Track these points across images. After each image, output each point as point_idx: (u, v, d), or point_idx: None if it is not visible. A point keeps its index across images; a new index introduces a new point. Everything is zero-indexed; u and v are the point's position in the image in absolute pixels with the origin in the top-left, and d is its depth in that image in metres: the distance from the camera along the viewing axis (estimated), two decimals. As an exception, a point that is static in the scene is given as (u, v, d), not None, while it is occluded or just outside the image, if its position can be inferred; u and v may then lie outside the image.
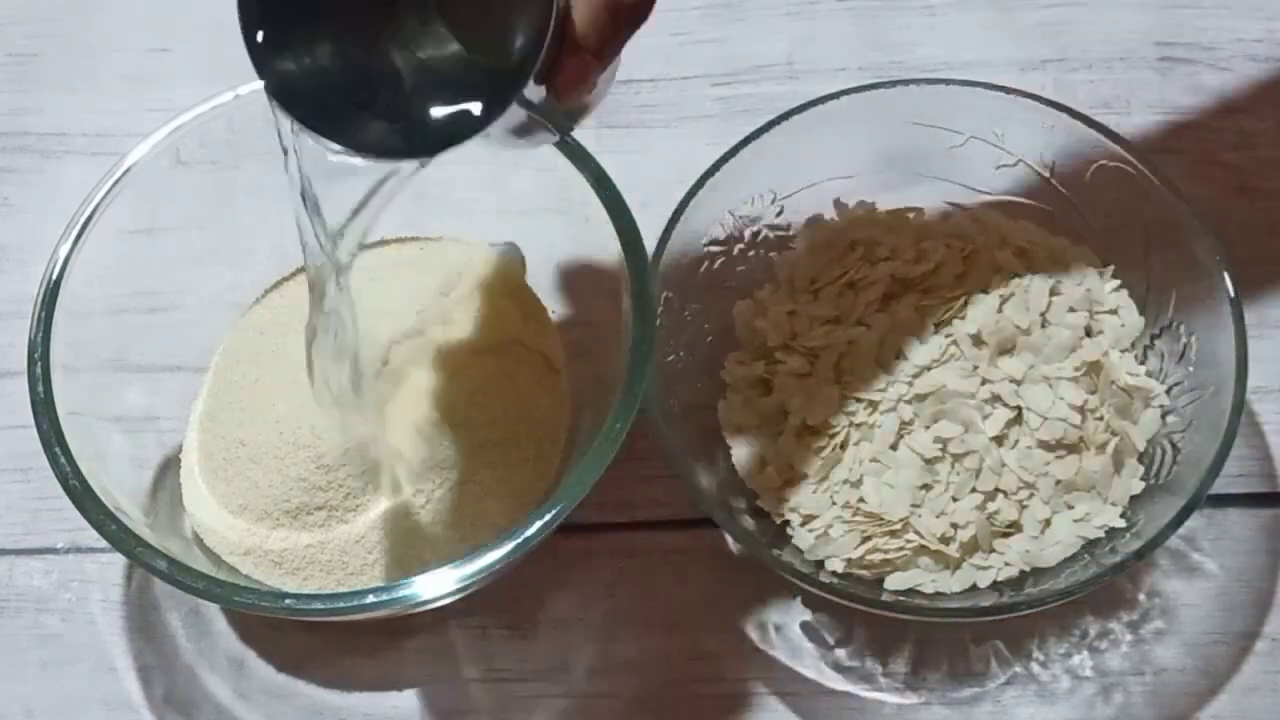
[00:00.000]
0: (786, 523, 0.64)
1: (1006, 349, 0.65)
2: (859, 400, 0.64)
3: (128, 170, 0.65)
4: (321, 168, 0.54)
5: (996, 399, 0.63)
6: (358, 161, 0.53)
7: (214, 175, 0.67)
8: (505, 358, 0.67)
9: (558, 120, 0.57)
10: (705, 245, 0.68)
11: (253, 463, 0.64)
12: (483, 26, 0.54)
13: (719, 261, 0.68)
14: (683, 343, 0.66)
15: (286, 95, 0.53)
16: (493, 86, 0.52)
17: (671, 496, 0.66)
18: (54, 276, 0.63)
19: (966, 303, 0.65)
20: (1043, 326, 0.65)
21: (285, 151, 0.54)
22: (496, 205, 0.69)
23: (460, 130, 0.52)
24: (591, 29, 0.52)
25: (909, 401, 0.64)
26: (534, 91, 0.53)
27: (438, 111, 0.53)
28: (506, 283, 0.69)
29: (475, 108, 0.52)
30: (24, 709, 0.66)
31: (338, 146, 0.53)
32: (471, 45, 0.54)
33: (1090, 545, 0.63)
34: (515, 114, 0.53)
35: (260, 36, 0.53)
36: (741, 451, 0.66)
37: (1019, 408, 0.63)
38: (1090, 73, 0.77)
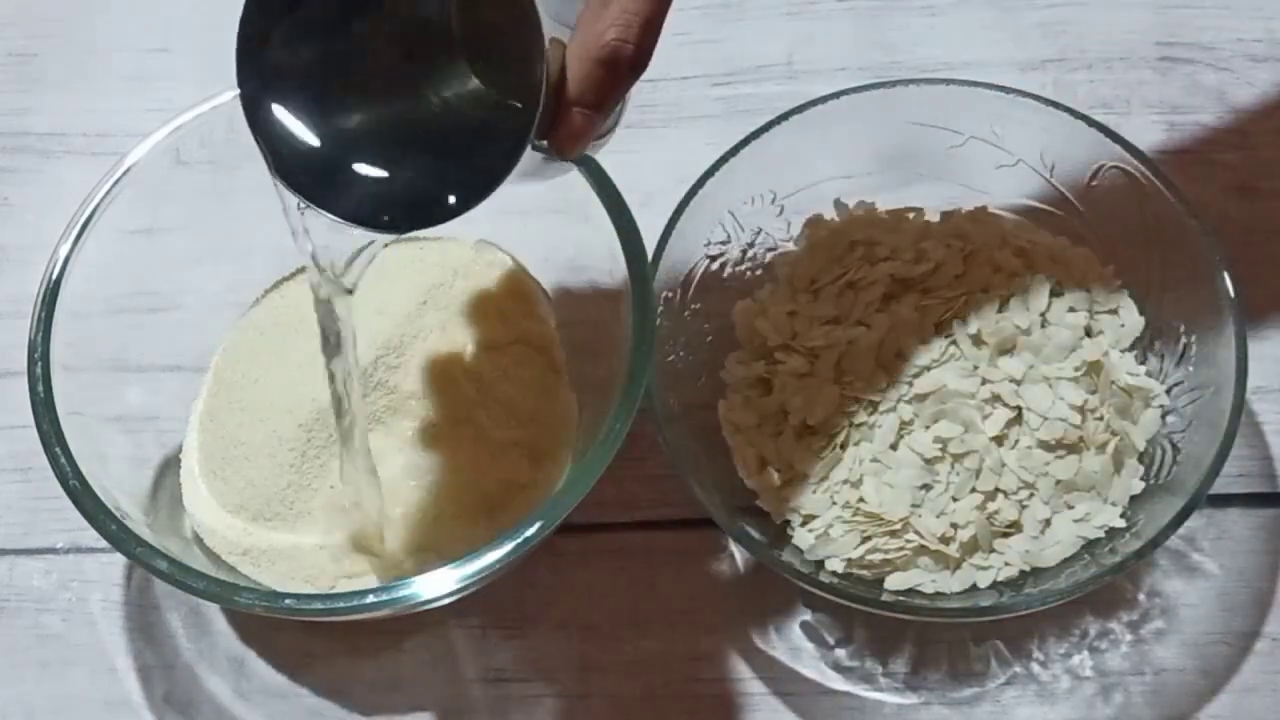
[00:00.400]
0: (786, 523, 0.64)
1: (1006, 349, 0.65)
2: (859, 400, 0.64)
3: (128, 170, 0.65)
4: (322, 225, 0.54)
5: (996, 399, 0.63)
6: (357, 231, 0.53)
7: (214, 175, 0.67)
8: (506, 357, 0.67)
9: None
10: (705, 245, 0.68)
11: (248, 461, 0.65)
12: (471, 106, 0.53)
13: (719, 261, 0.68)
14: (683, 343, 0.66)
15: (285, 168, 0.53)
16: (489, 161, 0.51)
17: (671, 496, 0.66)
18: (54, 276, 0.63)
19: (966, 303, 0.65)
20: (1043, 326, 0.65)
21: (280, 196, 0.54)
22: (496, 205, 0.69)
23: (461, 202, 0.52)
24: (588, 86, 0.51)
25: (909, 401, 0.64)
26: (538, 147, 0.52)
27: (438, 184, 0.53)
28: (507, 282, 0.69)
29: (472, 183, 0.52)
30: (24, 709, 0.66)
31: (337, 219, 0.53)
32: (466, 114, 0.54)
33: (1090, 545, 0.63)
34: (529, 158, 0.52)
35: (259, 114, 0.53)
36: (741, 451, 0.66)
37: (1019, 408, 0.63)
38: (1090, 73, 0.77)
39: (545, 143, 0.52)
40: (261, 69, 0.53)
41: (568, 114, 0.51)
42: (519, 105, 0.50)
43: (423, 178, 0.53)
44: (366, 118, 0.54)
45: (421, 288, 0.68)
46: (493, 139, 0.52)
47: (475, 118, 0.53)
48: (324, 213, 0.53)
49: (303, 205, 0.53)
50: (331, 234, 0.55)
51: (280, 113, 0.53)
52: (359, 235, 0.54)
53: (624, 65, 0.51)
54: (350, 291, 0.57)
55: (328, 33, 0.53)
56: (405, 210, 0.53)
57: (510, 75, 0.52)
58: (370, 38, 0.53)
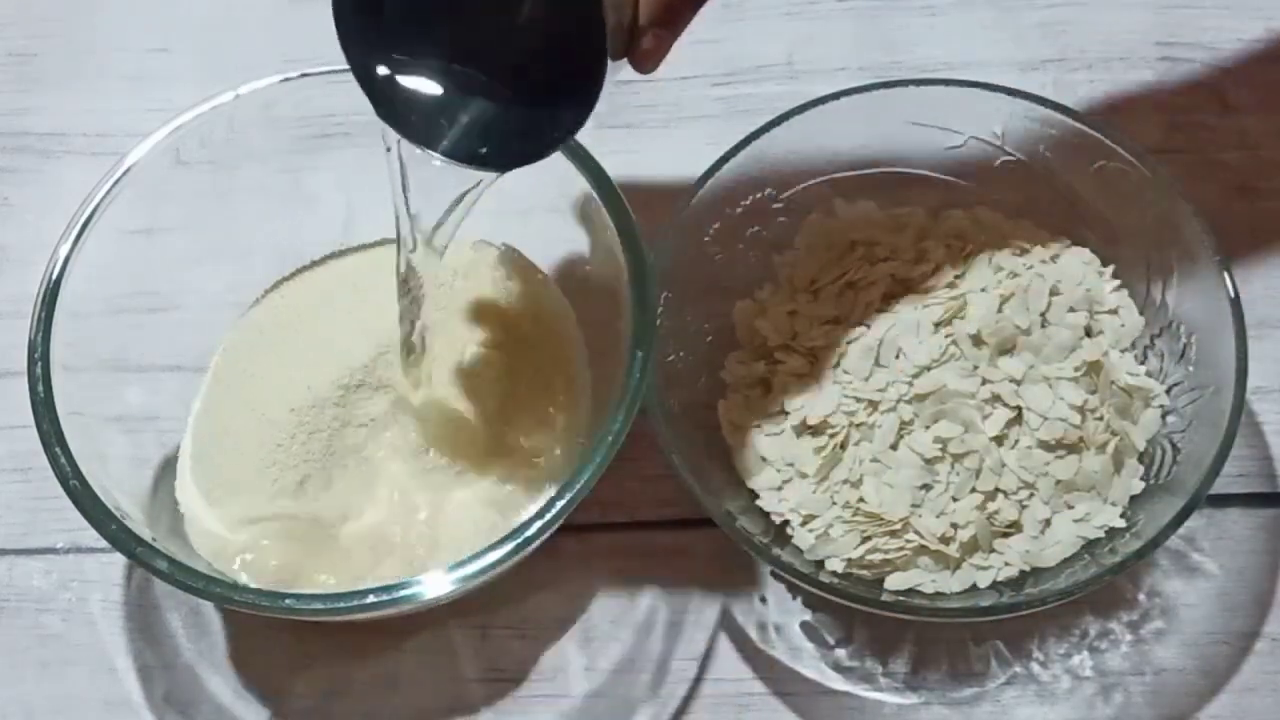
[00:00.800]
0: (786, 523, 0.64)
1: (1006, 349, 0.65)
2: (859, 400, 0.64)
3: (128, 170, 0.65)
4: (423, 172, 0.57)
5: (996, 399, 0.63)
6: (462, 170, 0.56)
7: (214, 175, 0.67)
8: (512, 355, 0.67)
9: None
10: (705, 245, 0.68)
11: (235, 448, 0.65)
12: (549, 41, 0.55)
13: (719, 261, 0.68)
14: (683, 343, 0.66)
15: (395, 115, 0.55)
16: (576, 93, 0.54)
17: (671, 496, 0.66)
18: (54, 276, 0.63)
19: (966, 303, 0.65)
20: (1043, 326, 0.65)
21: (389, 152, 0.57)
22: (496, 205, 0.69)
23: (554, 140, 0.55)
24: (659, 10, 0.55)
25: (909, 401, 0.64)
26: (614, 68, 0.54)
27: (531, 122, 0.55)
28: (516, 280, 0.69)
29: (566, 115, 0.54)
30: (24, 709, 0.66)
31: (444, 159, 0.55)
32: (546, 49, 0.55)
33: (1090, 545, 0.63)
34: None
35: (364, 58, 0.55)
36: (741, 451, 0.66)
37: (1019, 408, 0.63)
38: (1090, 73, 0.77)
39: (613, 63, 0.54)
40: (360, 24, 0.54)
41: (644, 34, 0.55)
42: (590, 34, 0.52)
43: (520, 112, 0.55)
44: (460, 61, 0.55)
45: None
46: (573, 70, 0.53)
47: (556, 51, 0.55)
48: (435, 155, 0.55)
49: (413, 150, 0.55)
50: (431, 191, 0.57)
51: (384, 64, 0.55)
52: (463, 180, 0.56)
53: None
54: (440, 254, 0.60)
55: None
56: (509, 145, 0.55)
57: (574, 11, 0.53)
58: None
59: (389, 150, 0.57)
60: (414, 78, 0.55)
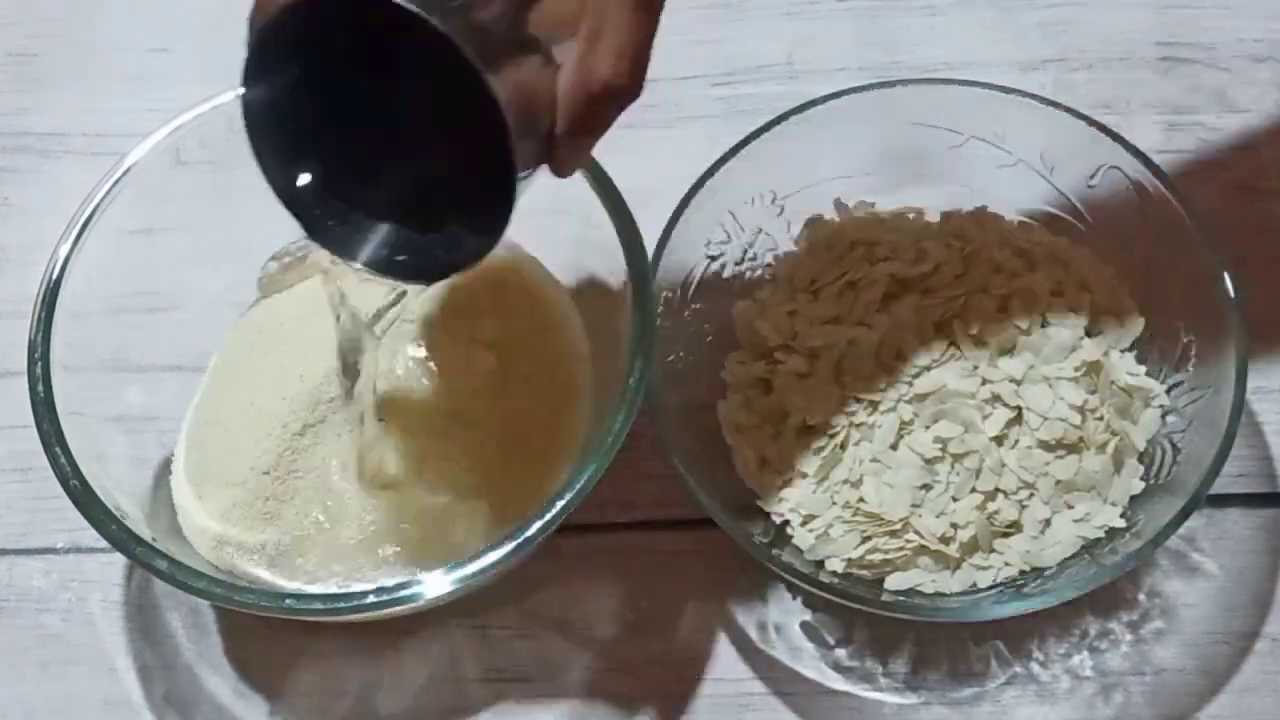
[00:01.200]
0: (786, 523, 0.64)
1: (1006, 349, 0.65)
2: (859, 400, 0.64)
3: (128, 170, 0.65)
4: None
5: (996, 399, 0.63)
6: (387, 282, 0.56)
7: (214, 175, 0.67)
8: (509, 355, 0.67)
9: None
10: (705, 245, 0.68)
11: (226, 435, 0.65)
12: (463, 154, 0.54)
13: (719, 261, 0.68)
14: (683, 343, 0.66)
15: (314, 224, 0.55)
16: (491, 207, 0.53)
17: (671, 496, 0.66)
18: (54, 276, 0.63)
19: (966, 303, 0.65)
20: (1043, 326, 0.65)
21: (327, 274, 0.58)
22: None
23: (472, 254, 0.54)
24: (582, 121, 0.52)
25: (909, 401, 0.64)
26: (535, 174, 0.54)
27: (448, 237, 0.55)
28: (515, 280, 0.69)
29: (483, 227, 0.53)
30: (24, 709, 0.66)
31: (370, 273, 0.55)
32: (460, 165, 0.55)
33: (1090, 545, 0.63)
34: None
35: (281, 169, 0.54)
36: (741, 451, 0.66)
37: (1019, 408, 0.63)
38: (1090, 73, 0.77)
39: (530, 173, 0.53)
40: (275, 136, 0.53)
41: (562, 145, 0.52)
42: (498, 152, 0.51)
43: (437, 228, 0.55)
44: (374, 175, 0.55)
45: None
46: (486, 185, 0.52)
47: (467, 169, 0.54)
48: (355, 265, 0.55)
49: (335, 261, 0.55)
50: (366, 284, 0.57)
51: (299, 176, 0.54)
52: (390, 285, 0.57)
53: (622, 98, 0.52)
54: (379, 338, 0.60)
55: (335, 96, 0.54)
56: (425, 260, 0.55)
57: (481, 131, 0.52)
58: (372, 100, 0.54)
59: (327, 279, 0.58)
60: (329, 193, 0.55)
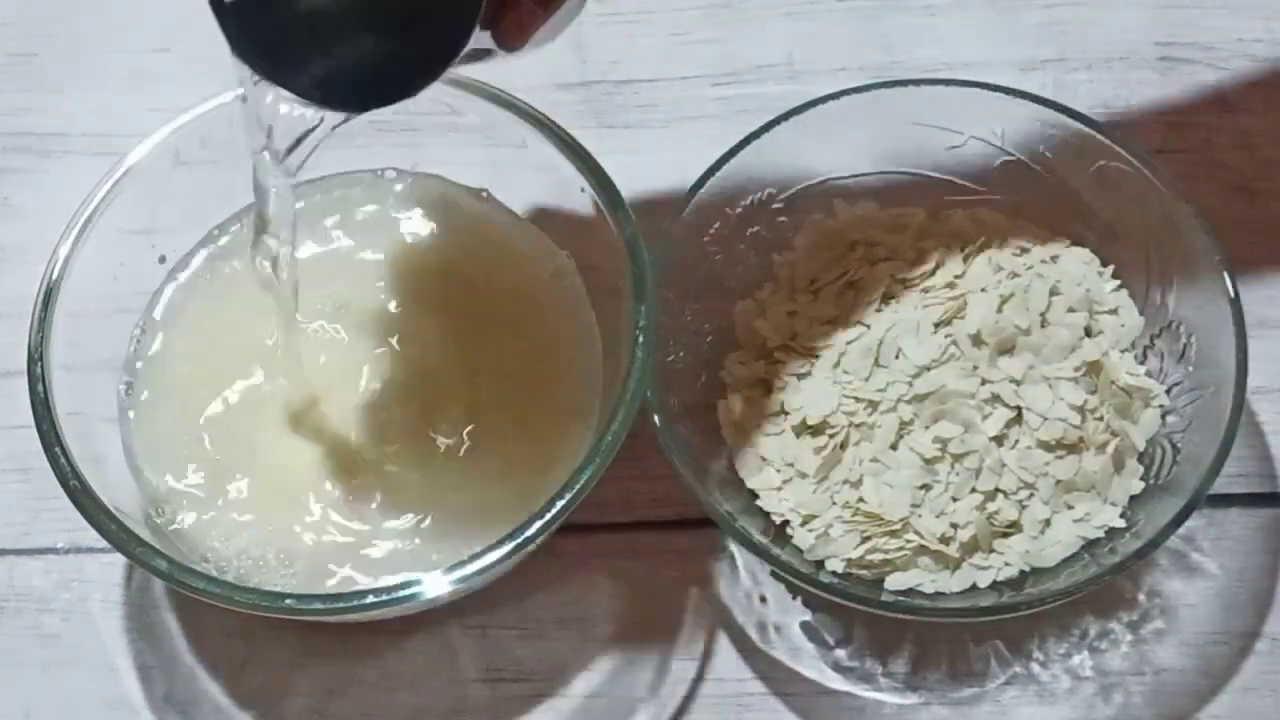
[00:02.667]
0: (786, 523, 0.64)
1: (1006, 349, 0.65)
2: (859, 400, 0.64)
3: (128, 170, 0.65)
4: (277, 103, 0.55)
5: (996, 399, 0.63)
6: (308, 111, 0.55)
7: (214, 175, 0.67)
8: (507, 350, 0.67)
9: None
10: (705, 245, 0.68)
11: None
12: None
13: (719, 261, 0.68)
14: (683, 343, 0.66)
15: (247, 47, 0.54)
16: (435, 46, 0.52)
17: (671, 496, 0.66)
18: (54, 276, 0.63)
19: (966, 303, 0.65)
20: (1043, 326, 0.65)
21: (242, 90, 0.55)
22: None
23: (405, 85, 0.53)
24: None
25: (909, 401, 0.64)
26: (478, 38, 0.52)
27: (388, 65, 0.53)
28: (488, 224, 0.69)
29: (417, 67, 0.52)
30: (24, 709, 0.66)
31: (293, 96, 0.54)
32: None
33: (1090, 545, 0.63)
34: (477, 43, 0.52)
35: None
36: (741, 451, 0.66)
37: (1019, 408, 0.63)
38: (1090, 73, 0.77)
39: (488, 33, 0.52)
40: None
41: (514, 7, 0.51)
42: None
43: (374, 58, 0.54)
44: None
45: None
46: (440, 23, 0.51)
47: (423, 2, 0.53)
48: (280, 89, 0.54)
49: (256, 79, 0.54)
50: (282, 117, 0.55)
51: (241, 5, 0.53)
52: (309, 115, 0.55)
53: None
54: (290, 177, 0.58)
55: None
56: (354, 89, 0.54)
57: None
58: None
59: (245, 82, 0.55)
60: (270, 13, 0.54)
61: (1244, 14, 0.78)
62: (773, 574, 0.66)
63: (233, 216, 0.68)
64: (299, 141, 0.56)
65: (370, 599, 0.58)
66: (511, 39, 0.52)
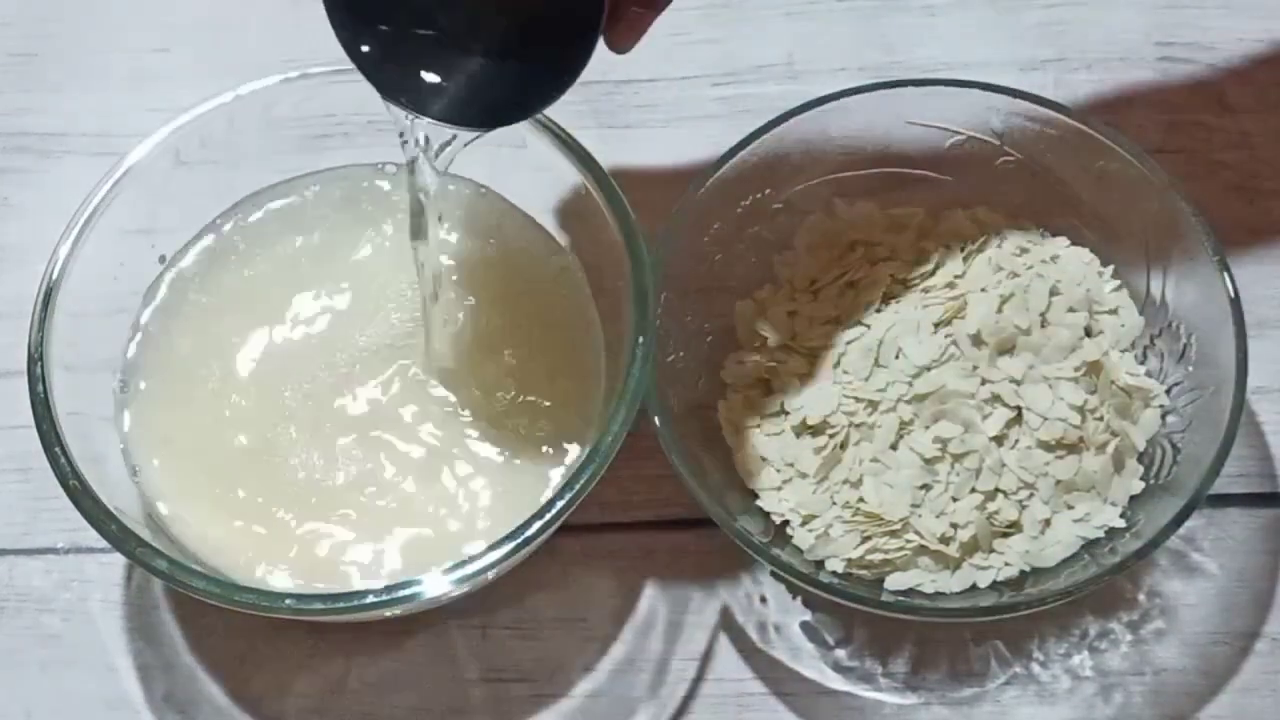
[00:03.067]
0: (786, 523, 0.64)
1: (1006, 349, 0.65)
2: (859, 400, 0.64)
3: (128, 170, 0.65)
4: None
5: (996, 399, 0.63)
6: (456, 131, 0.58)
7: (214, 175, 0.67)
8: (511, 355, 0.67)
9: None
10: (705, 245, 0.68)
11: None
12: (542, 9, 0.56)
13: (719, 261, 0.68)
14: (683, 343, 0.66)
15: (395, 95, 0.57)
16: (565, 54, 0.55)
17: (671, 496, 0.66)
18: (54, 276, 0.63)
19: (966, 303, 0.65)
20: (1043, 326, 0.65)
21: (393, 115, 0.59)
22: (496, 205, 0.69)
23: (540, 101, 0.57)
24: None
25: (909, 401, 0.64)
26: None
27: (519, 83, 0.57)
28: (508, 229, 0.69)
29: (552, 80, 0.55)
30: (24, 709, 0.66)
31: (435, 122, 0.58)
32: (538, 17, 0.56)
33: (1090, 545, 0.63)
34: None
35: (352, 28, 0.56)
36: (741, 451, 0.66)
37: (1019, 408, 0.63)
38: (1090, 73, 0.77)
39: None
40: (351, 9, 0.56)
41: (627, 10, 0.54)
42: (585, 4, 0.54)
43: (507, 78, 0.57)
44: (450, 28, 0.57)
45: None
46: (564, 37, 0.55)
47: (548, 19, 0.56)
48: (425, 118, 0.57)
49: (409, 116, 0.57)
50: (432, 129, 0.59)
51: (374, 40, 0.57)
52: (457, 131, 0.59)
53: None
54: (442, 175, 0.61)
55: None
56: (493, 109, 0.57)
57: None
58: None
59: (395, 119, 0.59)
60: (400, 46, 0.56)
61: (1244, 14, 0.78)
62: (773, 574, 0.66)
63: (231, 214, 0.68)
64: (444, 147, 0.60)
65: (370, 599, 0.58)
66: (624, 41, 0.55)
